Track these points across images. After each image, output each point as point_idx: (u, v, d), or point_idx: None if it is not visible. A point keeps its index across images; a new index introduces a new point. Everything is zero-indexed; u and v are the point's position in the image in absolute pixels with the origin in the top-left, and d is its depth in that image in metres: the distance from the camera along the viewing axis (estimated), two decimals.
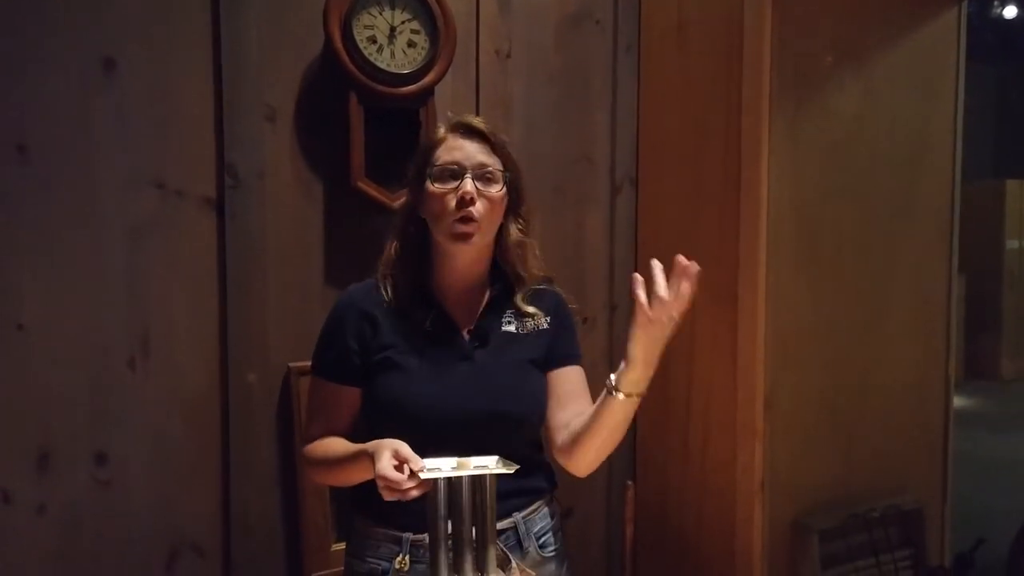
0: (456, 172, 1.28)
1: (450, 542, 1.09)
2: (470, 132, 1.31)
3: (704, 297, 1.95)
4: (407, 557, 1.28)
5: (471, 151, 1.29)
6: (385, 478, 1.09)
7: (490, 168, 1.29)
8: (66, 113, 1.55)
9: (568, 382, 1.40)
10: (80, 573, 1.60)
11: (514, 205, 1.35)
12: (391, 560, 1.29)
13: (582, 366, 1.45)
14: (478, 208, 1.26)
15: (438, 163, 1.29)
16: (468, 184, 1.26)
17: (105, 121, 1.58)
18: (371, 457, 1.15)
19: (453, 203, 1.26)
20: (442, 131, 1.34)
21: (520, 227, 1.37)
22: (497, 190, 1.29)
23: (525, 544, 1.34)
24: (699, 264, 1.95)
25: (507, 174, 1.31)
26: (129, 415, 1.63)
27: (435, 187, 1.28)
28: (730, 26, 1.86)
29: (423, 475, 1.07)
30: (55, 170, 1.54)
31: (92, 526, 1.60)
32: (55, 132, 1.54)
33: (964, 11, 2.12)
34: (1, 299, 1.51)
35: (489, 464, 1.11)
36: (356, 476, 1.25)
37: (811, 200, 1.90)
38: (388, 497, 1.11)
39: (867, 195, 1.99)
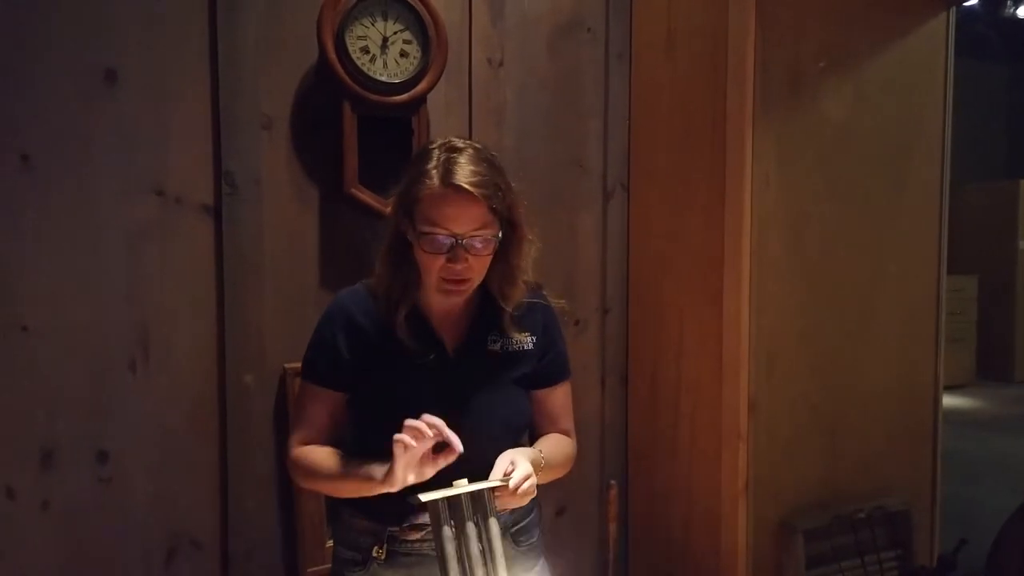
0: (447, 241, 1.24)
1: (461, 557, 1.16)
2: (463, 192, 1.22)
3: (692, 300, 2.01)
4: (385, 547, 1.33)
5: (464, 218, 1.23)
6: (410, 426, 1.15)
7: (482, 236, 1.25)
8: (68, 123, 1.61)
9: (553, 404, 1.45)
10: (82, 566, 1.66)
11: (506, 242, 1.32)
12: (371, 549, 1.34)
13: (573, 370, 1.50)
14: (466, 270, 1.27)
15: (427, 229, 1.24)
16: (459, 260, 1.24)
17: (106, 130, 1.64)
18: (380, 483, 1.21)
19: (440, 265, 1.25)
20: (435, 180, 1.23)
21: (511, 261, 1.35)
22: (487, 253, 1.28)
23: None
24: (687, 268, 2.01)
25: (499, 237, 1.28)
26: (130, 414, 1.69)
27: (425, 250, 1.26)
28: (716, 35, 1.89)
29: (423, 497, 1.13)
30: (58, 178, 1.60)
31: (94, 521, 1.66)
32: (58, 141, 1.60)
33: (953, 15, 2.14)
34: (6, 302, 1.57)
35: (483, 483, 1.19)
36: (358, 493, 1.28)
37: (799, 204, 1.93)
38: (404, 447, 1.15)
39: (856, 198, 2.01)
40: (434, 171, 1.24)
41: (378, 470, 1.22)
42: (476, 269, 1.28)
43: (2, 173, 1.55)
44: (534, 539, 1.44)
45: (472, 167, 1.24)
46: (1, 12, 1.54)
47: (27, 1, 1.56)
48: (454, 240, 1.23)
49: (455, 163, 1.24)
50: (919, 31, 2.08)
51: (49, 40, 1.58)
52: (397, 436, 1.15)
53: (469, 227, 1.24)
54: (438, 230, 1.23)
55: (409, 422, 1.16)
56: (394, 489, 1.19)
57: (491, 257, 1.30)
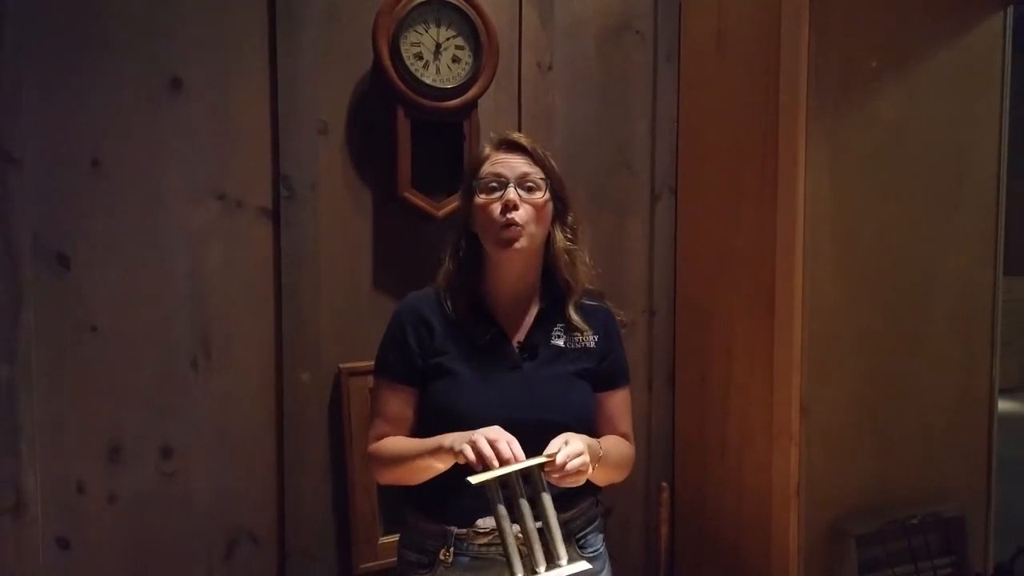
0: (500, 183, 1.37)
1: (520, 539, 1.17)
2: (513, 147, 1.41)
3: (742, 302, 2.01)
4: (451, 549, 1.36)
5: (514, 164, 1.39)
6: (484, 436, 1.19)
7: (532, 177, 1.38)
8: (136, 129, 1.66)
9: (612, 407, 1.49)
10: (147, 558, 1.71)
11: (559, 214, 1.44)
12: (438, 552, 1.37)
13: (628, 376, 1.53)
14: (521, 215, 1.35)
15: (483, 176, 1.39)
16: (511, 192, 1.36)
17: (171, 136, 1.69)
18: (449, 450, 1.24)
19: (498, 211, 1.35)
20: (487, 149, 1.43)
21: (568, 235, 1.44)
22: (540, 197, 1.38)
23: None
24: (737, 271, 2.00)
25: (549, 182, 1.39)
26: (192, 412, 1.74)
27: (481, 198, 1.38)
28: (768, 35, 1.88)
29: (473, 479, 1.15)
30: (126, 182, 1.66)
31: (158, 514, 1.71)
32: (126, 147, 1.65)
33: (1010, 14, 2.10)
34: (77, 303, 1.63)
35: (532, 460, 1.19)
36: (431, 469, 1.31)
37: (851, 206, 1.91)
38: (473, 455, 1.18)
39: (909, 200, 1.99)
40: (487, 146, 1.45)
41: (447, 439, 1.26)
42: (530, 218, 1.36)
43: (74, 177, 1.61)
44: (599, 547, 1.45)
45: (520, 134, 1.46)
46: (73, 25, 1.60)
47: (97, 13, 1.62)
48: (507, 182, 1.36)
49: (509, 134, 1.45)
50: (975, 31, 2.05)
51: (118, 50, 1.64)
52: (467, 450, 1.19)
53: (518, 170, 1.38)
54: (491, 177, 1.37)
55: (480, 450, 1.18)
56: (461, 460, 1.22)
57: (544, 213, 1.39)
